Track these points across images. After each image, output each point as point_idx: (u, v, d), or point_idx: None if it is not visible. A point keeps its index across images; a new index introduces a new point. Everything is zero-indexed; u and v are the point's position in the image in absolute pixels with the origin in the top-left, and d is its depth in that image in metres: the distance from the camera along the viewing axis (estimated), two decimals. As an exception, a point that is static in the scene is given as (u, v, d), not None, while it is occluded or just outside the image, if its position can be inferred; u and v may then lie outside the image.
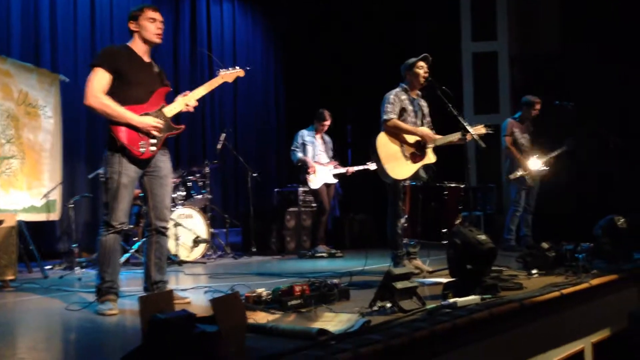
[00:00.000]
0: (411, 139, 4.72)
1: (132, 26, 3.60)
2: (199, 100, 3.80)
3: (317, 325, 2.58)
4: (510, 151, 6.78)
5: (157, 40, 3.63)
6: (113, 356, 2.38)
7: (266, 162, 9.88)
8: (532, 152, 6.80)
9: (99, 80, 3.46)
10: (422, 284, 3.54)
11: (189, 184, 6.94)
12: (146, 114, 3.52)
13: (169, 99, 3.75)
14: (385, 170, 4.54)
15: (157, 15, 3.61)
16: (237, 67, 4.00)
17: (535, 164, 6.70)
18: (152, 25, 3.59)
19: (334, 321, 2.67)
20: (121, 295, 3.59)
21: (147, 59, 3.67)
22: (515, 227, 6.81)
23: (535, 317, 3.17)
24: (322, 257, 6.85)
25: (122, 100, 3.46)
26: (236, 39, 9.78)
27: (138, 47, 3.62)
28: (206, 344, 2.10)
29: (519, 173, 6.69)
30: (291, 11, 10.24)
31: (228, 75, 3.93)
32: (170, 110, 3.65)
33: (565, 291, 3.39)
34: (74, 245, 5.92)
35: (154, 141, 3.54)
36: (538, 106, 6.85)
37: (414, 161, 4.70)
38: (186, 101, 3.71)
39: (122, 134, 3.44)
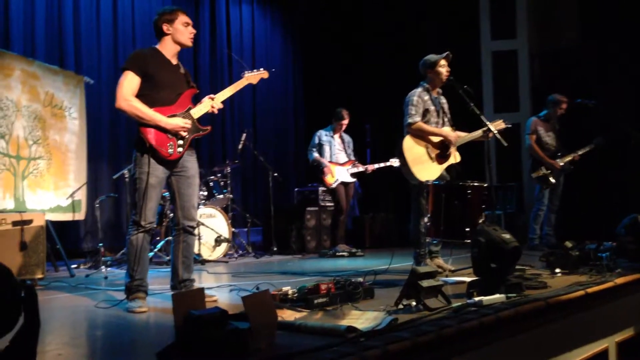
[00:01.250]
0: (435, 140, 4.73)
1: (165, 28, 3.66)
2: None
3: (345, 322, 2.62)
4: (533, 149, 6.74)
5: (190, 43, 3.73)
6: (145, 352, 2.45)
7: (286, 162, 9.95)
8: (557, 151, 6.75)
9: (129, 83, 3.53)
10: (445, 283, 3.56)
11: (211, 183, 7.01)
12: (174, 116, 3.59)
13: (195, 101, 3.82)
14: (413, 173, 4.56)
15: (189, 20, 3.72)
16: (261, 69, 4.06)
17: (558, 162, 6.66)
18: (186, 29, 3.68)
19: (361, 319, 2.70)
20: (149, 293, 3.66)
21: (174, 61, 3.74)
22: (538, 226, 6.76)
23: (560, 316, 3.18)
24: (342, 256, 6.89)
25: (151, 102, 3.53)
26: (255, 40, 9.85)
27: (167, 49, 3.69)
28: (239, 340, 2.15)
29: (542, 172, 6.65)
30: (309, 11, 10.30)
31: (252, 77, 4.00)
32: (197, 111, 3.72)
33: (590, 290, 3.39)
34: (100, 245, 6.02)
35: (181, 142, 3.61)
36: (565, 105, 6.80)
37: (440, 162, 4.71)
38: (212, 103, 3.77)
39: (151, 135, 3.51)
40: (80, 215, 6.43)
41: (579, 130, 6.97)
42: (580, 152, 6.70)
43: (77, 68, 7.18)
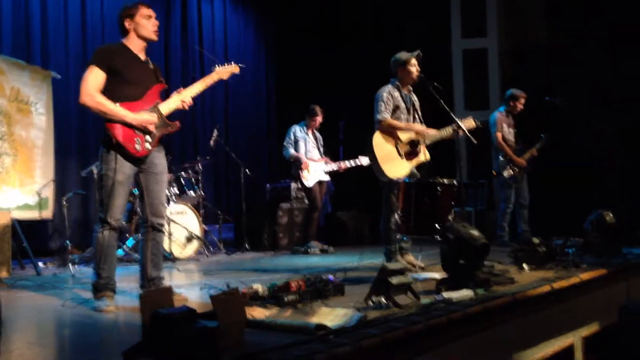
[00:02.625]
0: (405, 137, 4.75)
1: (127, 24, 3.60)
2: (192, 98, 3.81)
3: (314, 320, 2.62)
4: (502, 146, 6.72)
5: (155, 37, 3.66)
6: (112, 351, 2.42)
7: (258, 158, 9.90)
8: (517, 147, 6.79)
9: (94, 79, 3.47)
10: (415, 279, 3.58)
11: (182, 180, 6.95)
12: (141, 111, 3.54)
13: (164, 97, 3.77)
14: (383, 170, 4.58)
15: (151, 12, 3.64)
16: (232, 64, 4.00)
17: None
18: (148, 22, 3.61)
19: (330, 316, 2.71)
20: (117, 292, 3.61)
21: (143, 56, 3.69)
22: (507, 224, 6.77)
23: (527, 311, 3.24)
24: (314, 253, 6.89)
25: (118, 98, 3.47)
26: (227, 36, 9.78)
27: (134, 44, 3.64)
28: (207, 339, 2.14)
29: (512, 170, 6.67)
30: (282, 8, 10.26)
31: (223, 71, 3.93)
32: (166, 107, 3.66)
33: (555, 285, 3.46)
34: (67, 243, 5.92)
35: (149, 138, 3.56)
36: (523, 100, 6.78)
37: (409, 159, 4.74)
38: (181, 98, 3.72)
39: (118, 131, 3.45)
40: (47, 214, 6.31)
41: (546, 127, 7.05)
42: (536, 148, 6.76)
43: (44, 63, 7.03)
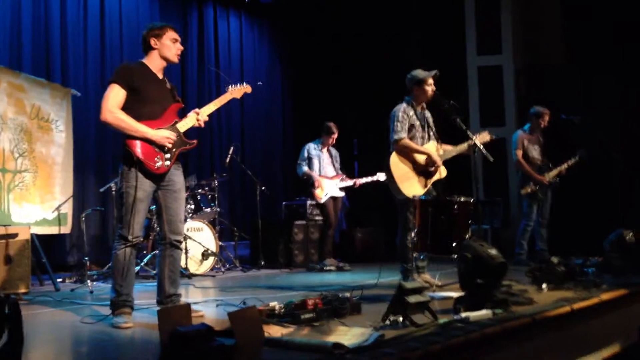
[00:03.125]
0: (421, 157, 4.76)
1: (153, 43, 3.67)
2: (207, 116, 3.87)
3: (332, 339, 2.61)
4: (521, 165, 6.72)
5: (176, 60, 3.75)
6: (131, 369, 2.43)
7: (274, 175, 9.95)
8: (543, 165, 6.77)
9: (115, 96, 3.53)
10: (432, 298, 3.56)
11: (198, 197, 6.99)
12: (159, 129, 3.59)
13: (180, 115, 3.83)
14: (400, 189, 4.59)
15: (178, 37, 3.75)
16: (245, 83, 4.10)
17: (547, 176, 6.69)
18: (174, 45, 3.71)
19: (347, 335, 2.70)
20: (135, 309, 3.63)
21: (161, 75, 3.75)
22: (526, 242, 6.72)
23: (546, 332, 3.19)
24: (330, 270, 6.88)
25: (137, 116, 3.53)
26: (243, 53, 9.88)
27: (154, 64, 3.70)
28: (224, 357, 2.15)
29: (531, 187, 6.65)
30: (297, 25, 10.36)
31: (236, 91, 4.04)
32: (183, 125, 3.73)
33: (575, 306, 3.41)
34: (85, 258, 5.96)
35: (168, 156, 3.61)
36: (547, 117, 6.80)
37: (426, 177, 4.74)
38: (198, 117, 3.79)
39: (138, 148, 3.50)
40: (66, 229, 6.38)
41: (563, 145, 7.01)
42: (565, 165, 6.72)
43: (64, 81, 7.15)
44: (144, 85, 3.60)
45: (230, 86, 4.02)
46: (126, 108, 3.54)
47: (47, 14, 7.18)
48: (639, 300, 4.20)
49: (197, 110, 3.83)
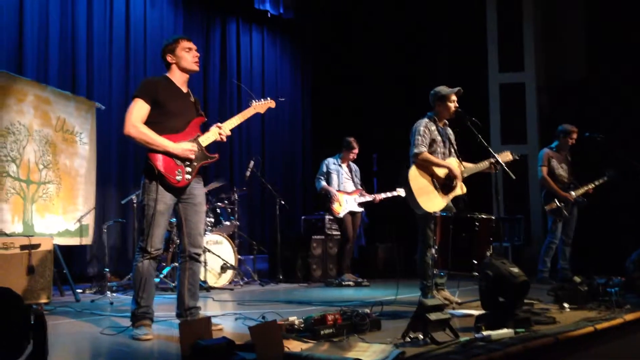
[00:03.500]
0: (441, 171, 4.73)
1: (169, 58, 3.73)
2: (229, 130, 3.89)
3: (351, 355, 2.60)
4: (546, 181, 6.65)
5: (196, 68, 3.76)
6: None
7: (293, 190, 9.96)
8: (570, 183, 6.69)
9: (138, 110, 3.57)
10: (452, 316, 3.53)
11: (218, 210, 7.03)
12: (181, 142, 3.62)
13: (203, 129, 3.86)
14: (419, 203, 4.56)
15: (192, 45, 3.76)
16: (269, 98, 4.11)
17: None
18: (188, 54, 3.72)
19: (368, 351, 2.68)
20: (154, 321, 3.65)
21: (185, 89, 3.79)
22: (549, 259, 6.62)
23: (569, 352, 3.15)
24: (348, 285, 6.85)
25: (160, 130, 3.57)
26: (265, 68, 9.96)
27: (176, 77, 3.75)
28: (245, 372, 2.15)
29: (555, 204, 6.56)
30: (318, 41, 10.42)
31: (260, 106, 4.04)
32: (205, 139, 3.75)
33: (599, 326, 3.36)
34: (106, 270, 6.01)
35: (189, 169, 3.64)
36: (575, 135, 6.72)
37: (445, 193, 4.71)
38: (220, 131, 3.81)
39: (160, 162, 3.53)
40: (87, 240, 6.44)
41: (587, 163, 6.94)
42: (593, 185, 6.64)
43: (88, 94, 7.26)
44: (167, 99, 3.63)
45: (254, 101, 4.04)
46: (150, 122, 3.58)
47: (74, 28, 7.31)
48: (663, 322, 4.12)
49: (219, 124, 3.85)
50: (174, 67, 3.74)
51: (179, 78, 3.76)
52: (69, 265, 5.95)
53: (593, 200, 6.74)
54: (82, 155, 6.42)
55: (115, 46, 7.80)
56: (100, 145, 7.00)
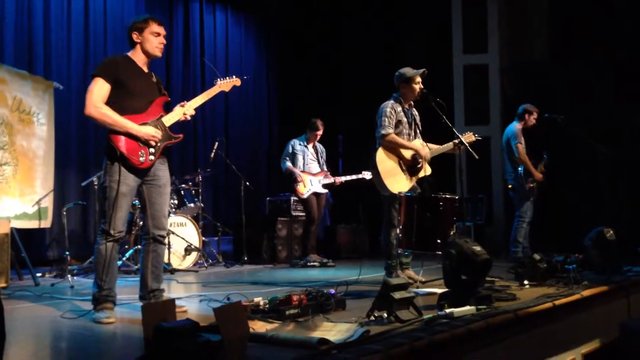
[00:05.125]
0: (407, 153, 4.77)
1: (135, 37, 3.63)
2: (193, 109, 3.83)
3: (317, 334, 2.61)
4: (524, 159, 6.56)
5: (159, 54, 3.69)
6: (114, 364, 2.41)
7: (258, 171, 9.91)
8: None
9: (99, 90, 3.49)
10: (416, 294, 3.57)
11: (182, 192, 6.94)
12: (145, 124, 3.55)
13: (166, 109, 3.79)
14: (386, 185, 4.60)
15: (161, 30, 3.68)
16: (234, 77, 4.06)
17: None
18: (155, 39, 3.64)
19: (333, 331, 2.69)
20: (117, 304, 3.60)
21: (146, 69, 3.71)
22: (522, 239, 6.59)
23: (528, 328, 3.22)
24: (313, 266, 6.87)
25: (122, 110, 3.49)
26: (229, 47, 9.82)
27: (138, 57, 3.67)
28: (210, 353, 2.13)
29: (531, 184, 6.56)
30: (283, 21, 10.32)
31: (225, 84, 3.99)
32: (169, 119, 3.69)
33: (557, 302, 3.44)
34: (66, 253, 5.89)
35: (152, 150, 3.57)
36: (536, 114, 6.77)
37: (411, 174, 4.76)
38: (184, 110, 3.75)
39: (122, 143, 3.46)
40: (46, 223, 6.30)
41: (546, 143, 7.05)
42: (542, 164, 6.74)
43: (46, 73, 7.05)
44: (128, 79, 3.55)
45: (218, 79, 3.98)
46: (110, 102, 3.50)
47: (30, 5, 7.07)
48: (619, 297, 4.26)
49: (183, 103, 3.79)
50: (137, 47, 3.65)
51: (141, 58, 3.67)
52: (28, 249, 5.82)
53: (552, 180, 6.85)
54: (39, 136, 6.25)
55: (73, 24, 7.58)
56: (59, 126, 6.83)
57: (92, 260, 6.12)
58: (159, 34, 3.65)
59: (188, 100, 3.84)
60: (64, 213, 6.20)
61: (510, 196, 6.98)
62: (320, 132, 7.28)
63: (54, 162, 6.45)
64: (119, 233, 3.48)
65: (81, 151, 7.54)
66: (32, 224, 6.09)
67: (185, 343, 2.08)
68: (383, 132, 4.72)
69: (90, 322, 3.32)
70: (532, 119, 6.78)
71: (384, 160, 4.68)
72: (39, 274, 5.68)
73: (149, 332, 2.21)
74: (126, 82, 3.53)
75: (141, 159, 3.51)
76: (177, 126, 3.80)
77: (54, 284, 5.28)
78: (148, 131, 3.52)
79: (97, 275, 3.47)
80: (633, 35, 7.70)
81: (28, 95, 6.12)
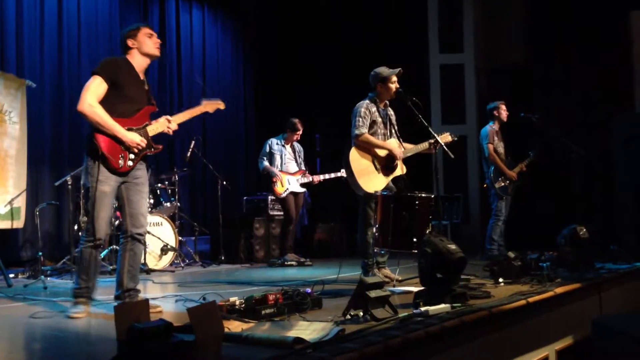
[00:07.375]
0: (382, 152, 4.79)
1: (130, 43, 3.69)
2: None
3: (292, 333, 2.61)
4: (494, 158, 6.63)
5: (157, 53, 3.77)
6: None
7: (235, 170, 9.85)
8: (507, 161, 6.75)
9: (96, 88, 3.53)
10: (392, 293, 3.59)
11: (158, 191, 6.88)
12: (131, 129, 3.59)
13: (152, 119, 3.83)
14: (359, 184, 4.61)
15: (152, 32, 3.78)
16: (219, 100, 4.20)
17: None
18: (150, 40, 3.73)
19: (308, 330, 2.69)
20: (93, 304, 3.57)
21: (142, 76, 3.77)
22: (497, 237, 6.62)
23: (503, 325, 3.26)
24: (291, 265, 6.87)
25: (110, 112, 3.53)
26: (206, 47, 9.72)
27: (136, 62, 3.73)
28: (183, 353, 2.11)
29: (502, 182, 6.60)
30: (260, 20, 10.29)
31: (210, 105, 4.13)
32: (153, 129, 3.75)
33: (531, 299, 3.49)
34: (39, 254, 5.80)
35: (132, 156, 3.63)
36: (504, 106, 6.76)
37: (386, 174, 4.77)
38: (168, 125, 3.80)
39: (104, 143, 3.50)
40: (19, 223, 6.20)
41: (521, 144, 7.12)
42: (525, 163, 6.81)
43: (18, 71, 6.92)
44: (125, 83, 3.61)
45: (204, 99, 4.12)
46: (104, 102, 3.53)
47: (2, 3, 6.94)
48: (591, 294, 4.33)
49: (169, 117, 3.84)
50: (134, 51, 3.72)
51: (139, 63, 3.73)
52: (1, 250, 5.73)
53: (527, 178, 6.92)
54: (11, 135, 6.14)
55: (46, 21, 7.45)
56: (32, 125, 6.72)
57: (66, 260, 6.07)
58: (152, 35, 3.75)
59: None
60: (37, 213, 6.10)
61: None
62: (299, 132, 7.27)
63: (26, 161, 6.34)
64: (103, 234, 3.54)
65: (55, 150, 7.42)
66: (5, 225, 5.99)
67: (158, 344, 2.06)
68: (357, 132, 4.73)
69: (64, 320, 3.31)
70: (502, 112, 6.77)
71: (357, 160, 4.70)
72: (11, 275, 5.59)
73: (122, 332, 2.19)
74: (123, 86, 3.59)
75: (120, 162, 3.56)
76: (157, 135, 3.83)
77: (27, 284, 5.20)
78: (134, 138, 3.57)
79: (78, 274, 3.58)
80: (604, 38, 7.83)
81: (0, 94, 6.01)
